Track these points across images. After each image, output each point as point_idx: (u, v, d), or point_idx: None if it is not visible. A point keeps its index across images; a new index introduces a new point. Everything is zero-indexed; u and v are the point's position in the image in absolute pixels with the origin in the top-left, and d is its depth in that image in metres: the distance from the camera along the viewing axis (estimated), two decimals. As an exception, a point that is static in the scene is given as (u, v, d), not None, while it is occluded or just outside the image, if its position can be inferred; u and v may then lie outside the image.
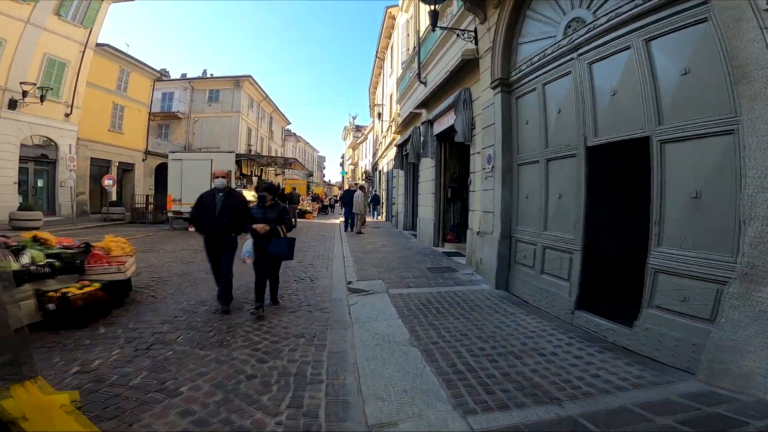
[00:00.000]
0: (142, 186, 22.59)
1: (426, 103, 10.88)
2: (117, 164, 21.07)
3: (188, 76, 31.45)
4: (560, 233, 4.60)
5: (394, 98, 18.36)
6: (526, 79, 5.43)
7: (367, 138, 45.96)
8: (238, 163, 16.25)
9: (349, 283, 6.23)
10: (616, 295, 4.56)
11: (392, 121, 17.59)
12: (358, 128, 53.48)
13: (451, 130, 9.05)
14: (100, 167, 19.79)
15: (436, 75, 10.02)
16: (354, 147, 53.72)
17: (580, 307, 4.25)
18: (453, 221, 10.10)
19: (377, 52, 24.23)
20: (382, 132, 22.30)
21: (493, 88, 6.09)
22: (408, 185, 14.48)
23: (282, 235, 4.93)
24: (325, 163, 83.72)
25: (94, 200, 19.75)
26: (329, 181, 72.77)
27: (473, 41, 7.00)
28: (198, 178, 14.93)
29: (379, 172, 24.80)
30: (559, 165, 4.67)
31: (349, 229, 14.57)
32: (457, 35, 7.45)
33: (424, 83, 11.47)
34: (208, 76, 31.78)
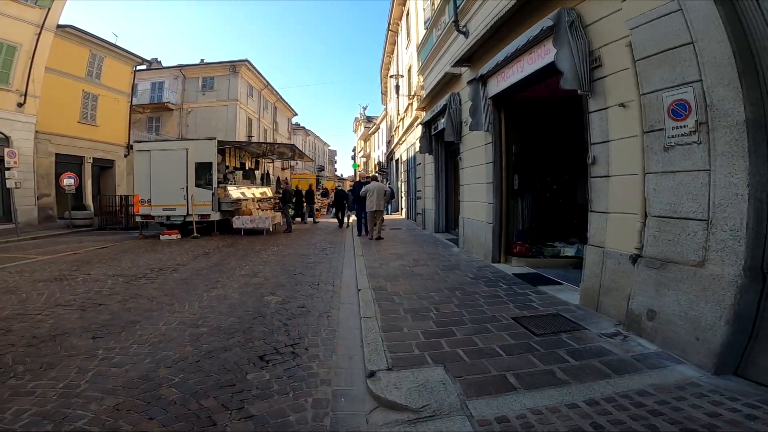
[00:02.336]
0: (125, 185, 19.58)
1: (471, 57, 7.55)
2: (91, 161, 18.04)
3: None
4: None
5: (414, 70, 14.97)
6: None
7: (379, 128, 42.60)
8: (221, 152, 13.00)
9: (372, 374, 2.89)
10: None
11: (413, 97, 14.18)
12: (369, 119, 50.35)
13: (527, 83, 5.70)
14: (68, 164, 16.76)
15: (488, 12, 6.56)
16: (366, 138, 50.46)
17: None
18: (522, 225, 6.69)
19: (389, 24, 20.76)
20: (399, 113, 18.86)
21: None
22: (440, 173, 11.06)
23: None
24: (336, 157, 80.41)
25: (63, 203, 16.77)
26: (341, 175, 69.50)
27: None
28: (171, 173, 11.78)
29: (396, 161, 21.38)
30: None
31: (363, 232, 11.26)
32: None
33: (465, 33, 8.09)
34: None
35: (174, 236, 11.47)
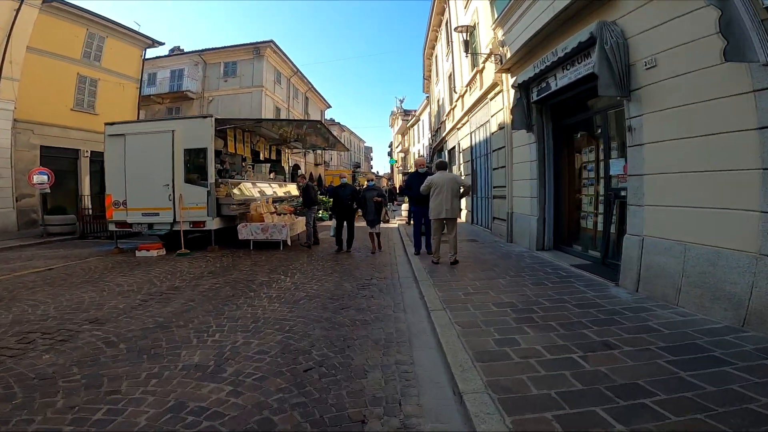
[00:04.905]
0: (132, 185, 16.78)
1: None
2: (88, 154, 15.30)
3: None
4: None
5: (482, 30, 11.11)
6: None
7: (419, 119, 38.73)
8: (222, 135, 9.54)
9: None
10: None
11: (487, 58, 10.25)
12: (406, 112, 46.63)
13: None
14: (59, 159, 14.06)
15: None
16: (403, 133, 46.74)
17: None
18: None
19: (438, -14, 16.90)
20: (454, 92, 14.91)
21: None
22: (545, 160, 7.08)
23: None
24: (371, 154, 76.92)
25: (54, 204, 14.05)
26: (377, 172, 65.96)
27: None
28: (153, 165, 8.46)
29: (450, 152, 17.42)
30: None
31: (423, 248, 7.50)
32: None
33: None
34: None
35: (154, 252, 8.14)
